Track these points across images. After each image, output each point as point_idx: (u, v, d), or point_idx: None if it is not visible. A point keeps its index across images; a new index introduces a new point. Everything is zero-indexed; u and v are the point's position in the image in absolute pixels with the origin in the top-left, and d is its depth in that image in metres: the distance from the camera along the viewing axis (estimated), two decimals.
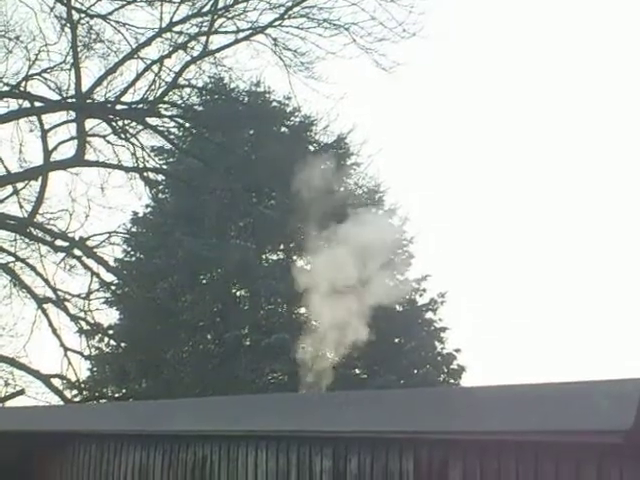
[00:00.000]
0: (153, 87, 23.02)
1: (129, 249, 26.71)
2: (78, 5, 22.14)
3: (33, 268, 22.71)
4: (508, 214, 34.37)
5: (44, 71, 22.70)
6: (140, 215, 27.18)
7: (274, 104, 27.45)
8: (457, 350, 25.98)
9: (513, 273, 32.69)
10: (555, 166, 34.92)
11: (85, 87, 22.41)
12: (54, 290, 22.59)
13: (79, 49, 22.22)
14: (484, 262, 32.16)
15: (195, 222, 25.12)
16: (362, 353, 25.32)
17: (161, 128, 23.79)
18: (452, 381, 25.60)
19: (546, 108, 34.32)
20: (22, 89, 22.53)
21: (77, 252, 22.69)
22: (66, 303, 22.61)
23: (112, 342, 25.18)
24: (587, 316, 34.88)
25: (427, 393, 6.19)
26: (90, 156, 22.96)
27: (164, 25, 22.46)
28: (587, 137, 33.59)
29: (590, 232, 35.01)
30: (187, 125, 24.63)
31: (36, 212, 22.51)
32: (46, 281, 22.60)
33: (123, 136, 23.06)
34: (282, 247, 27.09)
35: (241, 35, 22.97)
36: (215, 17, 22.76)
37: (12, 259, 22.93)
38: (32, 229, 22.72)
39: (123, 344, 25.04)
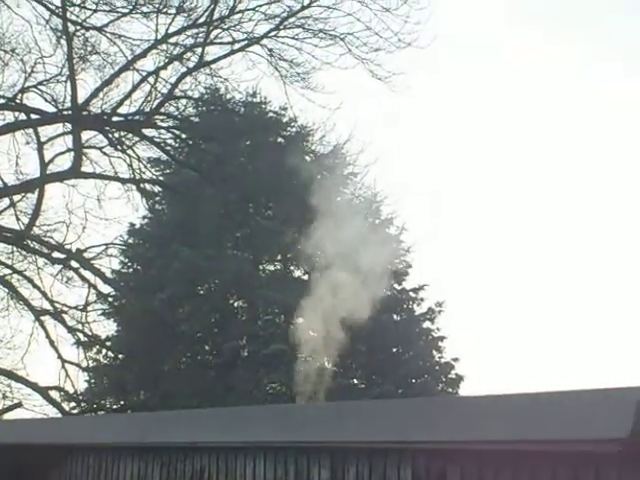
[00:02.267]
0: (149, 98, 23.04)
1: (126, 260, 26.71)
2: (74, 17, 22.14)
3: (30, 280, 22.71)
4: (505, 221, 34.42)
5: (40, 83, 22.72)
6: (137, 226, 27.19)
7: (270, 115, 27.48)
8: (455, 359, 25.97)
9: (511, 281, 32.71)
10: (553, 173, 34.96)
11: (81, 99, 22.42)
12: (51, 302, 22.58)
13: (75, 61, 22.22)
14: (481, 271, 32.16)
15: (192, 233, 25.11)
16: (360, 363, 25.36)
17: (157, 139, 23.80)
18: (450, 390, 25.58)
19: (544, 115, 34.38)
20: (18, 101, 22.54)
21: (74, 264, 22.68)
22: (63, 315, 22.60)
23: (110, 354, 25.16)
24: (585, 324, 34.86)
25: (424, 403, 6.19)
26: (86, 168, 23.00)
27: (160, 37, 22.48)
28: (585, 144, 33.67)
29: (588, 238, 35.03)
30: (183, 136, 24.64)
31: (33, 224, 22.51)
32: (43, 293, 22.59)
33: (119, 148, 23.08)
34: (279, 257, 27.08)
35: (237, 46, 23.00)
36: (211, 28, 22.79)
37: (9, 271, 22.93)
38: (29, 241, 22.72)
39: (121, 356, 25.02)
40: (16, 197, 23.05)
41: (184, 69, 23.15)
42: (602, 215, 33.90)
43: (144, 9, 22.23)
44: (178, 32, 22.74)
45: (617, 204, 33.56)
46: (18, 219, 22.91)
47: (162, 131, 23.80)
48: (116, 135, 23.03)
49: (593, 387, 4.09)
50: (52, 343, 22.29)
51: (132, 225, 26.92)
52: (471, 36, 33.64)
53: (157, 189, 26.34)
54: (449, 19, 27.39)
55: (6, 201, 23.05)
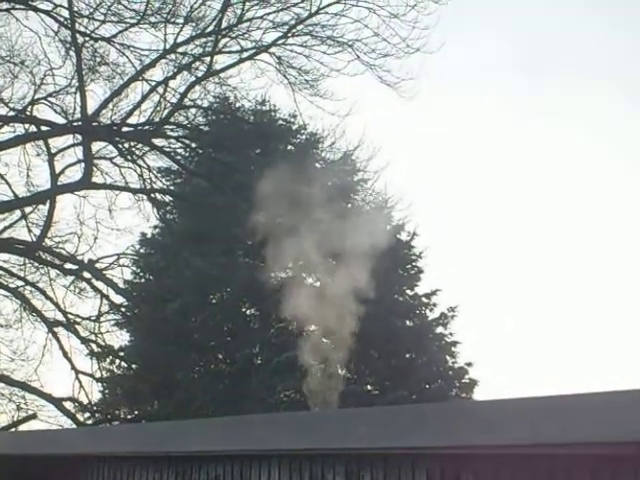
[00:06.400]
0: (158, 108, 23.11)
1: (138, 270, 26.72)
2: (82, 29, 22.23)
3: (43, 292, 22.74)
4: (519, 226, 34.33)
5: (50, 95, 22.80)
6: (148, 236, 27.22)
7: (280, 122, 27.50)
8: (469, 364, 25.90)
9: (523, 285, 32.61)
10: (565, 177, 34.84)
11: (91, 110, 22.50)
12: (64, 313, 22.62)
13: (84, 72, 22.29)
14: (494, 275, 32.09)
15: (203, 242, 25.11)
16: (373, 369, 25.30)
17: (167, 149, 23.85)
18: (464, 395, 25.49)
19: (556, 117, 34.29)
20: (28, 113, 22.61)
21: (86, 275, 22.72)
22: (76, 326, 22.63)
23: (123, 364, 25.15)
24: (600, 326, 34.72)
25: (438, 407, 6.16)
26: (97, 179, 23.06)
27: (168, 46, 22.54)
28: (593, 146, 33.58)
29: (603, 241, 34.89)
30: (193, 145, 24.69)
31: (45, 236, 22.55)
32: (56, 304, 22.62)
33: (130, 158, 23.12)
34: (291, 265, 27.03)
35: (245, 54, 23.05)
36: (219, 37, 22.84)
37: (22, 283, 22.97)
38: (41, 253, 22.75)
39: (134, 366, 25.02)
40: (27, 209, 23.12)
41: (193, 78, 23.23)
42: (622, 215, 33.80)
43: (152, 19, 22.30)
44: (186, 42, 22.80)
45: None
46: (30, 231, 23.00)
47: (172, 141, 23.86)
48: (126, 145, 23.08)
49: (610, 389, 4.06)
50: (66, 354, 22.33)
51: (144, 235, 26.97)
52: (481, 39, 33.61)
53: (168, 199, 26.37)
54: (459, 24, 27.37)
55: (17, 213, 23.13)
